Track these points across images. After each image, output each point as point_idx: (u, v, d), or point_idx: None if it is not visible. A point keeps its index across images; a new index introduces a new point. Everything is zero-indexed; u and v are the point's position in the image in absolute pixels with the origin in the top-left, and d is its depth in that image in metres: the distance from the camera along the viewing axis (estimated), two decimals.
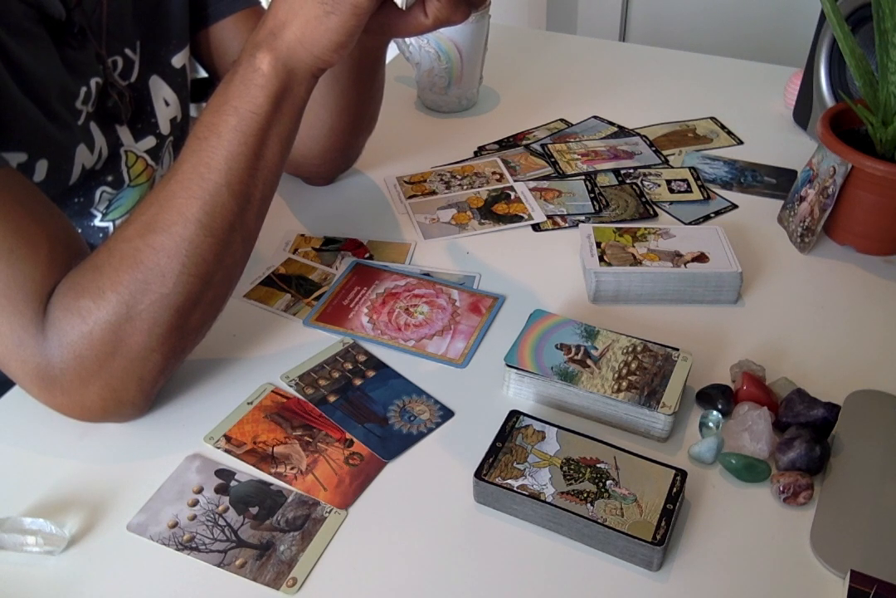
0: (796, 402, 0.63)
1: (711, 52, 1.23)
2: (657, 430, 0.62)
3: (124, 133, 0.79)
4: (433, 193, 0.92)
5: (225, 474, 0.60)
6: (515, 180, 0.94)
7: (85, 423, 0.63)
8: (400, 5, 0.60)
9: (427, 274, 0.80)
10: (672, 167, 0.96)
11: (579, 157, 0.98)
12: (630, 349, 0.65)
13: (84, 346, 0.57)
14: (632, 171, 0.95)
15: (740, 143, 1.01)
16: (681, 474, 0.57)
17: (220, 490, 0.59)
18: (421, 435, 0.64)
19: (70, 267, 0.59)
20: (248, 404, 0.66)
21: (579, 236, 0.80)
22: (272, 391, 0.67)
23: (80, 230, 0.79)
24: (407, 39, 1.04)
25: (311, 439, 0.63)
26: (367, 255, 0.83)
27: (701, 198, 0.91)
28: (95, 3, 0.72)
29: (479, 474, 0.57)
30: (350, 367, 0.69)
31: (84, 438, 0.63)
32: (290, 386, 0.67)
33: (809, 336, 0.73)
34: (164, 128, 0.84)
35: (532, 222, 0.87)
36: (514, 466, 0.58)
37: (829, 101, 0.96)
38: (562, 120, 1.07)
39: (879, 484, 0.58)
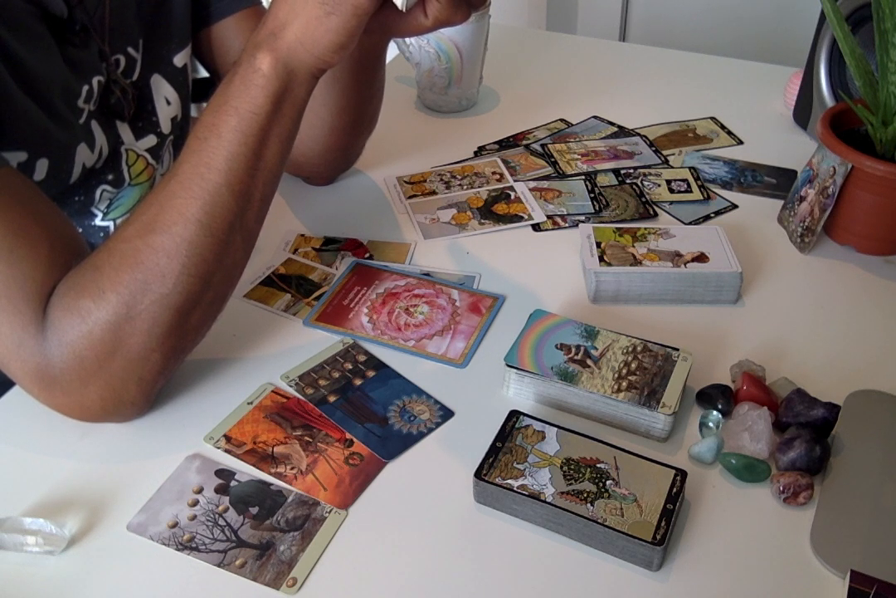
0: (796, 402, 0.63)
1: (711, 52, 1.23)
2: (657, 430, 0.62)
3: (125, 131, 0.79)
4: (433, 193, 0.92)
5: (225, 474, 0.60)
6: (515, 180, 0.94)
7: (85, 423, 0.63)
8: (400, 6, 0.60)
9: (427, 274, 0.80)
10: (672, 167, 0.96)
11: (579, 157, 0.98)
12: (630, 349, 0.65)
13: (84, 346, 0.57)
14: (632, 171, 0.95)
15: (740, 143, 1.01)
16: (681, 474, 0.57)
17: (220, 490, 0.59)
18: (421, 435, 0.64)
19: (70, 267, 0.59)
20: (248, 404, 0.66)
21: (579, 236, 0.80)
22: (272, 391, 0.67)
23: (80, 230, 0.79)
24: (407, 39, 1.04)
25: (311, 439, 0.63)
26: (367, 255, 0.83)
27: (701, 198, 0.91)
28: (98, 1, 0.72)
29: (479, 474, 0.57)
30: (350, 367, 0.69)
31: (84, 438, 0.63)
32: (290, 386, 0.67)
33: (809, 336, 0.73)
34: (165, 127, 0.84)
35: (532, 222, 0.87)
36: (514, 466, 0.58)
37: (829, 101, 0.96)
38: (562, 120, 1.07)
39: (879, 484, 0.58)
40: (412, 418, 0.65)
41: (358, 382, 0.68)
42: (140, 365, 0.59)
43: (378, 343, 0.72)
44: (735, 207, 0.90)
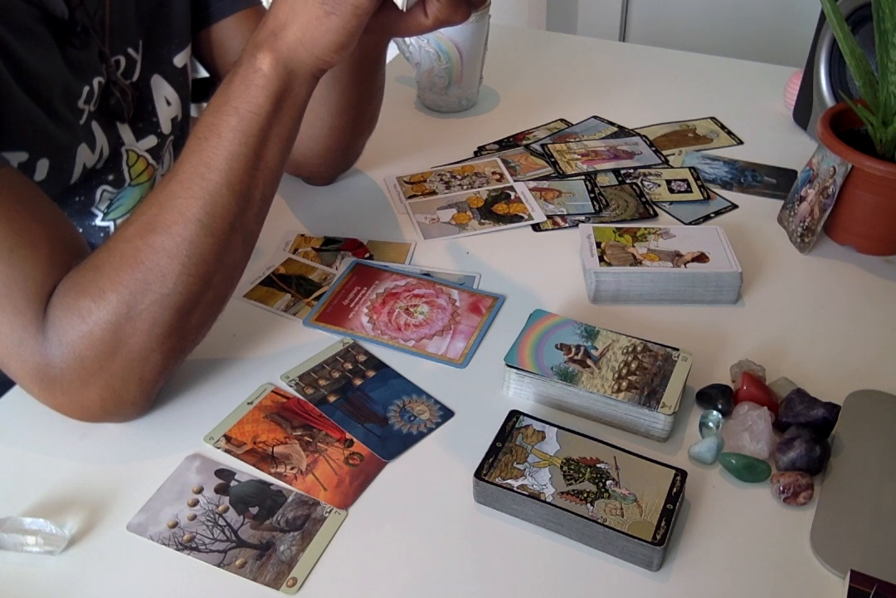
0: (796, 402, 0.63)
1: (711, 52, 1.23)
2: (657, 430, 0.62)
3: (125, 132, 0.79)
4: (433, 193, 0.92)
5: (225, 474, 0.60)
6: (515, 180, 0.94)
7: (85, 423, 0.63)
8: (400, 6, 0.60)
9: (427, 274, 0.80)
10: (672, 167, 0.96)
11: (579, 157, 0.98)
12: (630, 349, 0.65)
13: (84, 346, 0.57)
14: (632, 171, 0.95)
15: (740, 143, 1.01)
16: (681, 474, 0.57)
17: (220, 490, 0.59)
18: (421, 435, 0.64)
19: (71, 267, 0.59)
20: (248, 404, 0.66)
21: (579, 236, 0.80)
22: (272, 391, 0.67)
23: (80, 230, 0.79)
24: (407, 39, 1.04)
25: (311, 439, 0.63)
26: (367, 255, 0.83)
27: (701, 198, 0.91)
28: (98, 2, 0.72)
29: (479, 474, 0.57)
30: (350, 367, 0.69)
31: (84, 438, 0.63)
32: (290, 386, 0.67)
33: (809, 336, 0.73)
34: (165, 127, 0.84)
35: (532, 222, 0.87)
36: (514, 466, 0.58)
37: (829, 101, 0.96)
38: (562, 120, 1.07)
39: (879, 484, 0.58)
40: (412, 418, 0.65)
41: (358, 382, 0.68)
42: (140, 365, 0.59)
43: (378, 343, 0.72)
44: (735, 207, 0.90)
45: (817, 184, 0.81)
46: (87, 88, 0.72)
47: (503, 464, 0.58)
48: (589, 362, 0.64)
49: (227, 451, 0.62)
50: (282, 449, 0.62)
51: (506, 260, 0.82)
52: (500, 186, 0.93)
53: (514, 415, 0.62)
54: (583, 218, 0.88)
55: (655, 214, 0.88)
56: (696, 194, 0.91)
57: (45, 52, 0.67)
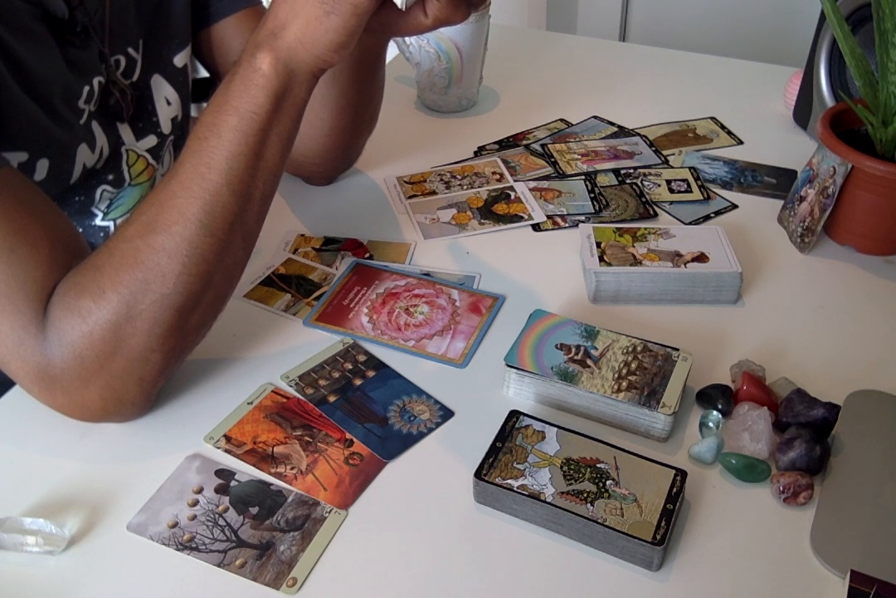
0: (796, 402, 0.63)
1: (711, 52, 1.23)
2: (657, 430, 0.62)
3: (125, 132, 0.79)
4: (433, 193, 0.92)
5: (225, 474, 0.60)
6: (515, 180, 0.94)
7: (85, 423, 0.63)
8: (399, 5, 0.60)
9: (427, 274, 0.80)
10: (672, 167, 0.96)
11: (579, 157, 0.98)
12: (630, 349, 0.65)
13: (84, 346, 0.57)
14: (632, 171, 0.95)
15: (740, 143, 1.01)
16: (681, 474, 0.57)
17: (220, 490, 0.59)
18: (421, 435, 0.64)
19: (71, 267, 0.59)
20: (248, 404, 0.66)
21: (579, 236, 0.80)
22: (272, 391, 0.67)
23: (80, 230, 0.79)
24: (407, 39, 1.04)
25: (311, 439, 0.63)
26: (367, 255, 0.83)
27: (701, 198, 0.91)
28: (98, 2, 0.72)
29: (479, 474, 0.57)
30: (350, 367, 0.69)
31: (84, 438, 0.63)
32: (290, 386, 0.67)
33: (809, 336, 0.73)
34: (165, 127, 0.84)
35: (532, 222, 0.87)
36: (514, 466, 0.58)
37: (829, 101, 0.96)
38: (562, 120, 1.07)
39: (879, 484, 0.58)
40: (412, 418, 0.65)
41: (358, 382, 0.68)
42: (140, 365, 0.59)
43: (378, 343, 0.72)
44: (735, 207, 0.90)
45: (817, 184, 0.81)
46: (87, 88, 0.72)
47: (503, 464, 0.58)
48: (589, 362, 0.64)
49: (227, 451, 0.62)
50: (282, 449, 0.62)
51: (506, 260, 0.82)
52: (500, 186, 0.93)
53: (514, 415, 0.62)
54: (583, 218, 0.88)
55: (655, 214, 0.88)
56: (696, 194, 0.91)
57: (45, 52, 0.67)
